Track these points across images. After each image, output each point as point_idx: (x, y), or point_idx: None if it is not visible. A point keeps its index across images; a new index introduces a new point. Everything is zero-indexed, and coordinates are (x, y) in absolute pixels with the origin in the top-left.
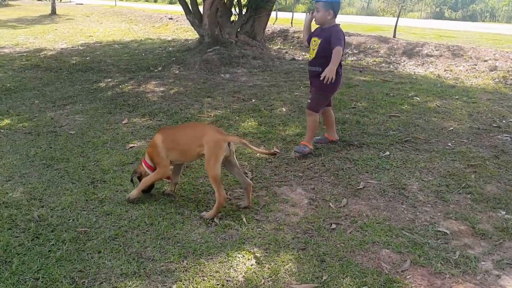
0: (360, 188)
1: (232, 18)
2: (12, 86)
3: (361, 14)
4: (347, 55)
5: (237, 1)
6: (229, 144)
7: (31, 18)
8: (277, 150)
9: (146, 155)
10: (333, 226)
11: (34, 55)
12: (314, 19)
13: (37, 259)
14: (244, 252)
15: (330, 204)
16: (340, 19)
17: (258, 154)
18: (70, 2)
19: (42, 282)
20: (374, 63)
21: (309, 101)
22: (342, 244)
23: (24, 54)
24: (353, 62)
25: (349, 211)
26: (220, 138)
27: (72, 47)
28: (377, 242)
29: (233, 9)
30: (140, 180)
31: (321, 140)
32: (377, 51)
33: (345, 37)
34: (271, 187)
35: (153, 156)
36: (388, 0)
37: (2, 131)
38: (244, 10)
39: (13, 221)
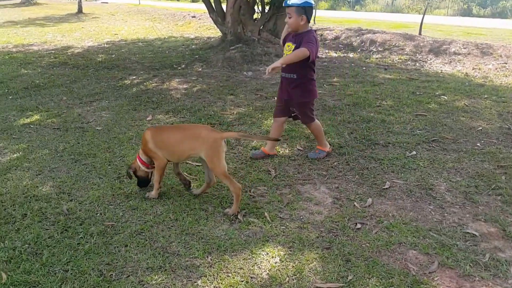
0: (386, 188)
1: (255, 16)
2: (41, 82)
3: (386, 11)
4: (371, 52)
5: None
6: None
7: (58, 16)
8: (279, 138)
9: (140, 151)
10: (358, 225)
11: (61, 52)
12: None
13: (66, 252)
14: (268, 249)
15: (355, 203)
16: (364, 16)
17: (258, 141)
18: (95, 0)
19: (71, 274)
20: (400, 61)
21: (300, 116)
22: (368, 244)
23: (52, 51)
24: (378, 59)
25: (374, 211)
26: (217, 137)
27: (98, 45)
28: (404, 242)
29: (256, 7)
30: (135, 175)
31: (257, 155)
32: (402, 49)
33: (317, 42)
34: (295, 185)
35: (147, 152)
36: None
37: (32, 126)
38: (267, 8)
39: (43, 214)
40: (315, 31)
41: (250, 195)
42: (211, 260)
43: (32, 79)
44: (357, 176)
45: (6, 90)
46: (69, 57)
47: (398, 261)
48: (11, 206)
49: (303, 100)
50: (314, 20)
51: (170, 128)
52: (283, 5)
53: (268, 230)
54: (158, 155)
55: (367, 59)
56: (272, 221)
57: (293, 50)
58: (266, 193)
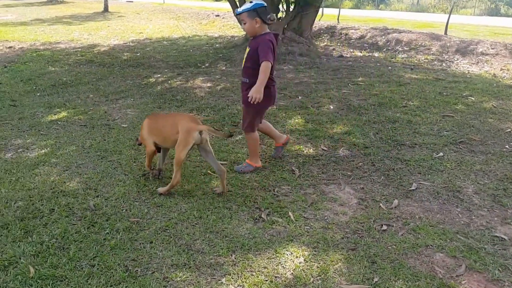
0: (412, 190)
1: (279, 14)
2: (68, 80)
3: (411, 11)
4: (397, 52)
5: None
6: (201, 132)
7: (84, 15)
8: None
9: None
10: (384, 227)
11: (88, 50)
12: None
13: (92, 247)
14: (293, 249)
15: (381, 204)
16: (388, 15)
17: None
18: None
19: (97, 269)
20: (426, 60)
21: (242, 120)
22: (394, 246)
23: (79, 49)
24: (403, 59)
25: (400, 213)
26: (191, 127)
27: (124, 43)
28: (431, 245)
29: (280, 6)
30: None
31: (277, 154)
32: (428, 49)
33: (273, 44)
34: (319, 185)
35: (141, 136)
36: None
37: (59, 123)
38: (291, 7)
39: (70, 209)
40: (269, 32)
41: (274, 194)
42: (235, 258)
43: (59, 77)
44: (382, 177)
45: (34, 87)
46: (95, 55)
47: (425, 263)
48: (39, 201)
49: (249, 104)
50: (338, 19)
51: (163, 116)
52: (235, 14)
53: (292, 230)
54: (148, 142)
55: (392, 58)
56: (296, 220)
57: (247, 54)
58: (290, 192)
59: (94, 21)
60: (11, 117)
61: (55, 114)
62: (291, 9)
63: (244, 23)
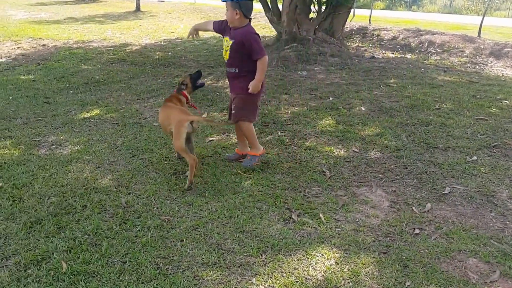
0: (446, 193)
1: (311, 15)
2: (100, 78)
3: (443, 12)
4: (430, 54)
5: None
6: (192, 123)
7: (117, 14)
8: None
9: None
10: (417, 231)
11: (120, 49)
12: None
13: (124, 243)
14: (323, 251)
15: (413, 208)
16: (420, 17)
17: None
18: None
19: (129, 265)
20: (459, 63)
21: (234, 111)
22: (426, 250)
23: (111, 48)
24: (436, 61)
25: (433, 217)
26: (183, 118)
27: (155, 42)
28: (464, 250)
29: (312, 6)
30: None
31: (231, 157)
32: (462, 51)
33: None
34: (350, 187)
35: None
36: None
37: (92, 120)
38: (323, 7)
39: (102, 206)
40: (249, 25)
41: (304, 195)
42: (265, 258)
43: (92, 75)
44: (415, 180)
45: (68, 85)
46: (127, 54)
47: (458, 268)
48: (72, 197)
49: (242, 94)
50: (369, 20)
51: (163, 108)
52: (222, 1)
53: (323, 232)
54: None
55: (425, 60)
56: (327, 222)
57: (231, 46)
58: (321, 194)
59: (126, 20)
60: (45, 114)
61: (87, 112)
62: (322, 10)
63: (227, 10)
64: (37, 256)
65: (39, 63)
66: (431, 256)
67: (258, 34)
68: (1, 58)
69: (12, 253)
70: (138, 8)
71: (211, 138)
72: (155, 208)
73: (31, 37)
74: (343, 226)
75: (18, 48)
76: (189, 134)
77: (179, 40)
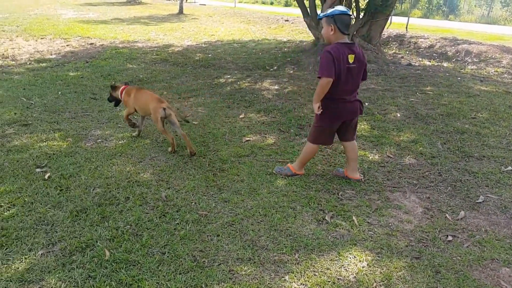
0: (479, 202)
1: None
2: (144, 77)
3: (480, 22)
4: (466, 63)
5: (355, 4)
6: (164, 109)
7: (161, 16)
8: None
9: (124, 90)
10: (450, 238)
11: (163, 50)
12: None
13: (164, 235)
14: (356, 253)
15: (447, 215)
16: (457, 26)
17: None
18: (194, 2)
19: (167, 256)
20: (496, 73)
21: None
22: (459, 258)
23: (155, 49)
24: (473, 71)
25: (466, 225)
26: (157, 106)
27: (196, 44)
28: (497, 259)
29: (350, 12)
30: (112, 96)
31: (338, 173)
32: (499, 61)
33: (332, 56)
34: (384, 192)
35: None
36: None
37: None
38: (361, 14)
39: (143, 198)
40: (345, 43)
41: (338, 198)
42: (298, 257)
43: (136, 74)
44: (449, 187)
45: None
46: (170, 54)
47: (490, 277)
48: (115, 189)
49: (316, 117)
50: (406, 27)
51: (143, 94)
52: (318, 18)
53: (356, 234)
54: (129, 105)
55: (462, 69)
56: (360, 225)
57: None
58: (354, 197)
59: (170, 22)
60: (92, 109)
61: None
62: (361, 16)
63: (322, 27)
64: (81, 243)
65: (86, 61)
66: (464, 264)
67: (330, 52)
68: (51, 54)
69: (58, 239)
70: (181, 11)
71: (248, 138)
72: (193, 203)
73: (80, 36)
74: (376, 230)
75: (67, 45)
76: (163, 118)
77: (219, 43)
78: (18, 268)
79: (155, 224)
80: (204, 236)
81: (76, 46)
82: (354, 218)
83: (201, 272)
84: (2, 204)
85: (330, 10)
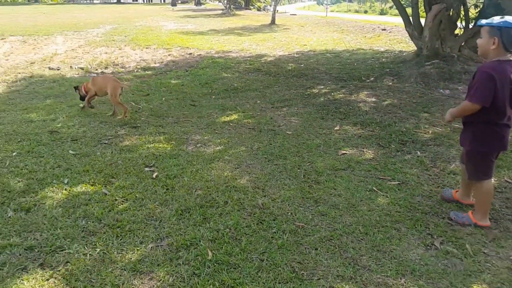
0: None
1: (457, 31)
2: (238, 86)
3: None
4: None
5: (464, 13)
6: (121, 88)
7: (253, 27)
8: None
9: (86, 84)
10: None
11: (256, 60)
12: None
13: (261, 242)
14: (471, 285)
15: None
16: None
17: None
18: (285, 12)
19: (266, 264)
20: None
21: (466, 167)
22: None
23: (248, 58)
24: None
25: None
26: (117, 85)
27: (288, 54)
28: None
29: (458, 22)
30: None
31: (445, 196)
32: None
33: (491, 80)
34: (502, 220)
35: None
36: None
37: (231, 124)
38: (471, 24)
39: (241, 204)
40: (501, 61)
41: (448, 223)
42: (404, 282)
43: (231, 82)
44: None
45: (210, 90)
46: (262, 64)
47: None
48: (215, 192)
49: (468, 149)
50: None
51: (99, 78)
52: (477, 25)
53: (470, 264)
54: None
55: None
56: (474, 255)
57: (468, 87)
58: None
59: (262, 33)
60: (192, 115)
61: (227, 116)
62: (470, 26)
63: (480, 37)
64: (186, 241)
65: (186, 70)
66: None
67: (492, 75)
68: (155, 63)
69: (165, 235)
70: (273, 22)
71: (344, 151)
72: (289, 213)
73: (180, 46)
74: (494, 262)
75: (169, 55)
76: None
77: (312, 53)
78: (131, 258)
79: (252, 230)
80: (301, 248)
81: (177, 56)
82: (467, 246)
83: (301, 284)
84: (117, 198)
85: (497, 19)
